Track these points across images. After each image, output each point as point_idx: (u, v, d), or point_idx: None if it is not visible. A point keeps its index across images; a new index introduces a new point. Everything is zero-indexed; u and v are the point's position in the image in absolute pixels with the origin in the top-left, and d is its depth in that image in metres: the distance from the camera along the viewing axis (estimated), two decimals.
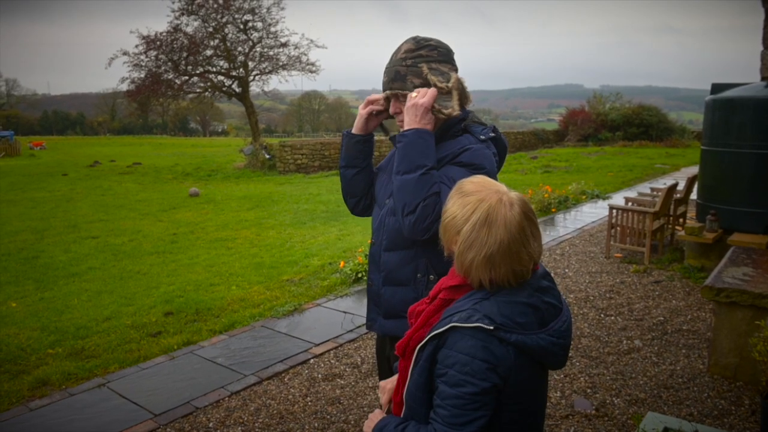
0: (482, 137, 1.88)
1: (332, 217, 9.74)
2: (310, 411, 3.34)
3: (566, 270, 6.02)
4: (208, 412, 3.34)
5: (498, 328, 1.30)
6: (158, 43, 22.73)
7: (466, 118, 1.91)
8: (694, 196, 6.51)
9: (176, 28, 23.08)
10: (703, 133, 5.92)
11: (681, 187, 7.39)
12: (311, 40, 25.11)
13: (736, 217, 5.42)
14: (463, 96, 1.88)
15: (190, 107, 36.73)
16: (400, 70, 1.85)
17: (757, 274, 3.80)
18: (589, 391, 3.48)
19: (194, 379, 3.75)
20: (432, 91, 1.81)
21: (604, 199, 10.50)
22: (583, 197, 10.54)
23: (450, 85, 1.84)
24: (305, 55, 25.27)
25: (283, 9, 24.74)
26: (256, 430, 3.16)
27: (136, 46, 22.96)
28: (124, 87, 23.50)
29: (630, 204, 7.20)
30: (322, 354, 4.11)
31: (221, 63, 24.52)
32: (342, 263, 6.15)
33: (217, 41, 23.95)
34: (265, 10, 24.17)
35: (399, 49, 1.89)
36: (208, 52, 23.95)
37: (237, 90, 24.92)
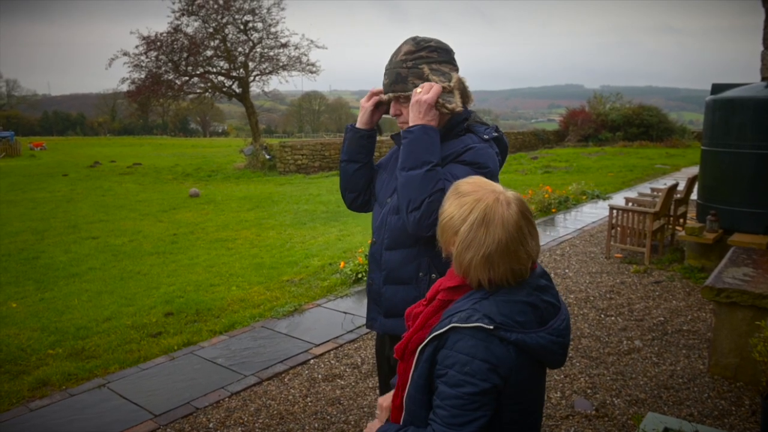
0: (485, 136, 1.88)
1: (332, 218, 9.74)
2: (311, 411, 3.34)
3: (566, 270, 6.02)
4: (208, 413, 3.34)
5: (498, 327, 1.30)
6: (158, 43, 22.75)
7: (468, 118, 1.91)
8: (694, 196, 6.51)
9: (176, 29, 23.11)
10: (703, 134, 5.92)
11: (681, 187, 7.39)
12: (311, 41, 25.16)
13: (737, 218, 5.42)
14: (465, 95, 1.89)
15: (191, 108, 36.78)
16: (401, 72, 1.85)
17: (757, 274, 3.80)
18: (589, 391, 3.48)
19: (194, 379, 3.75)
20: (436, 86, 1.80)
21: (604, 199, 10.49)
22: (584, 197, 10.54)
23: (452, 84, 1.84)
24: (305, 55, 25.33)
25: (283, 9, 24.80)
26: (256, 430, 3.16)
27: (137, 47, 22.98)
28: (125, 87, 23.55)
29: (630, 204, 7.20)
30: (322, 354, 4.11)
31: (221, 63, 24.55)
32: (342, 264, 6.15)
33: (217, 42, 23.97)
34: (265, 11, 24.22)
35: (399, 50, 1.88)
36: (209, 53, 23.98)
37: (237, 90, 24.93)
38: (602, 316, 4.70)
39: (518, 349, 1.32)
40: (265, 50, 24.84)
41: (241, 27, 24.10)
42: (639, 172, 14.66)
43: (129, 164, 23.08)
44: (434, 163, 1.76)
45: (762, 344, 2.99)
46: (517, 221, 1.34)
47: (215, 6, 23.18)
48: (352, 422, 3.21)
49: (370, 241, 2.09)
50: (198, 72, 23.81)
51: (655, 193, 7.78)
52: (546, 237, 7.61)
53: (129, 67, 23.04)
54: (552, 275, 5.84)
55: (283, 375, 3.81)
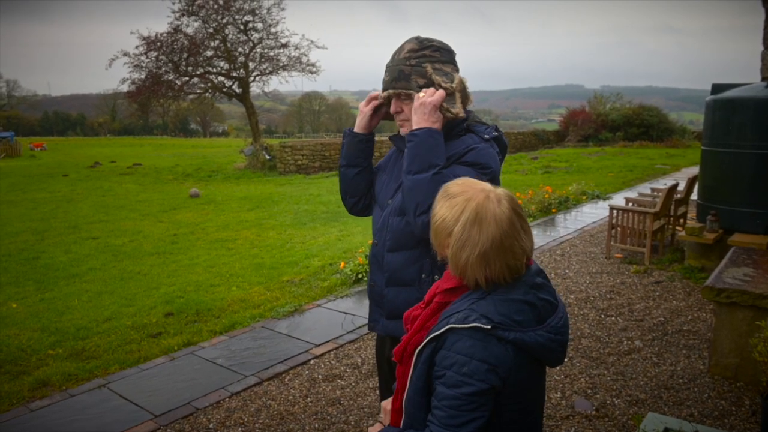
0: (486, 136, 1.89)
1: (332, 218, 9.74)
2: (311, 412, 3.34)
3: (567, 270, 6.02)
4: (208, 413, 3.34)
5: (496, 326, 1.30)
6: (158, 44, 22.76)
7: (468, 118, 1.91)
8: (694, 196, 6.50)
9: (177, 29, 23.12)
10: (703, 134, 5.92)
11: (681, 187, 7.39)
12: (311, 41, 25.18)
13: (737, 218, 5.42)
14: (465, 97, 1.89)
15: (191, 108, 36.80)
16: (404, 69, 1.85)
17: (757, 274, 3.79)
18: (589, 391, 3.48)
19: (194, 379, 3.75)
20: (440, 91, 1.81)
21: (604, 199, 10.49)
22: (584, 198, 10.54)
23: (454, 86, 1.85)
24: (305, 55, 25.35)
25: (283, 10, 24.81)
26: (257, 430, 3.16)
27: (137, 47, 23.00)
28: (125, 88, 23.56)
29: (630, 204, 7.19)
30: (322, 355, 4.11)
31: (221, 64, 24.57)
32: (342, 264, 6.15)
33: (217, 42, 23.98)
34: (265, 11, 24.23)
35: (401, 48, 1.88)
36: (209, 53, 23.99)
37: (237, 91, 24.94)
38: (602, 316, 4.70)
39: (517, 349, 1.32)
40: (266, 50, 24.87)
41: (241, 27, 24.12)
42: (639, 173, 14.66)
43: (129, 164, 23.08)
44: (441, 166, 1.77)
45: (762, 344, 2.98)
46: (510, 217, 1.35)
47: (215, 6, 23.19)
48: (353, 422, 3.21)
49: (370, 243, 2.09)
50: (198, 72, 23.82)
51: (656, 194, 7.78)
52: (546, 237, 7.61)
53: (129, 67, 23.08)
54: (552, 275, 5.84)
55: (283, 375, 3.81)
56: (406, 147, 1.82)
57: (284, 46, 24.78)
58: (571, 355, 3.99)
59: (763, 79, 5.64)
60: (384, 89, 1.91)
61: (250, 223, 9.68)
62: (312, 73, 25.57)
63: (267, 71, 25.05)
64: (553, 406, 3.31)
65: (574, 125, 26.81)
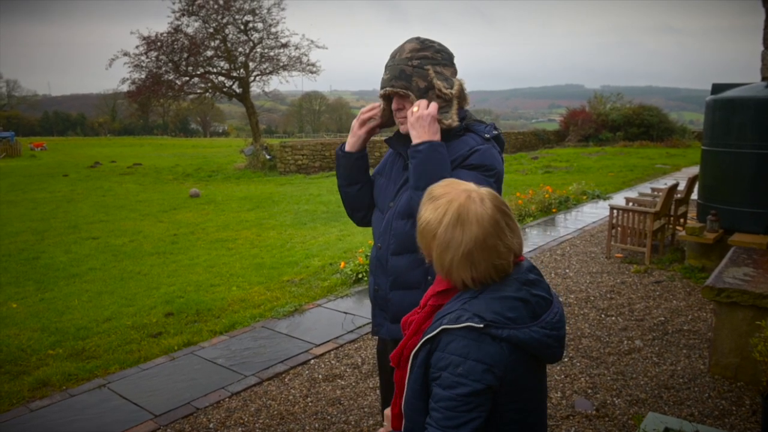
0: (486, 135, 1.88)
1: (333, 218, 9.74)
2: (311, 412, 3.34)
3: (567, 270, 6.02)
4: (208, 413, 3.34)
5: (488, 325, 1.29)
6: (159, 43, 22.75)
7: (465, 117, 1.90)
8: (694, 196, 6.50)
9: (177, 29, 23.10)
10: (703, 134, 5.91)
11: (682, 187, 7.39)
12: (312, 41, 25.16)
13: (737, 218, 5.42)
14: (462, 99, 1.89)
15: (191, 108, 36.80)
16: (405, 69, 1.83)
17: (757, 274, 3.79)
18: (589, 391, 3.48)
19: (195, 379, 3.75)
20: (433, 103, 1.81)
21: (604, 199, 10.49)
22: (584, 197, 10.54)
23: (453, 92, 1.84)
24: (306, 55, 25.34)
25: (283, 10, 24.80)
26: (257, 430, 3.16)
27: (137, 47, 22.98)
28: (125, 88, 23.55)
29: (631, 204, 7.19)
30: (322, 354, 4.11)
31: (222, 64, 24.56)
32: (342, 264, 6.15)
33: (217, 42, 23.97)
34: (265, 11, 24.22)
35: (402, 48, 1.87)
36: (209, 53, 23.98)
37: (237, 91, 24.93)
38: (603, 316, 4.70)
39: (512, 346, 1.31)
40: (266, 50, 24.86)
41: (242, 27, 24.11)
42: (639, 172, 14.66)
43: (129, 164, 23.09)
44: None
45: (762, 344, 2.98)
46: (492, 216, 1.34)
47: (215, 6, 23.19)
48: (353, 422, 3.21)
49: (370, 243, 2.09)
50: (198, 72, 23.82)
51: (656, 193, 7.77)
52: (546, 237, 7.61)
53: (129, 67, 23.07)
54: (552, 275, 5.84)
55: (283, 375, 3.81)
56: (411, 162, 1.80)
57: (284, 46, 24.78)
58: (571, 354, 3.99)
59: (764, 78, 5.64)
60: (383, 87, 1.89)
61: (251, 223, 9.68)
62: (312, 73, 25.57)
63: (267, 71, 25.04)
64: (553, 406, 3.30)
65: (575, 125, 26.81)
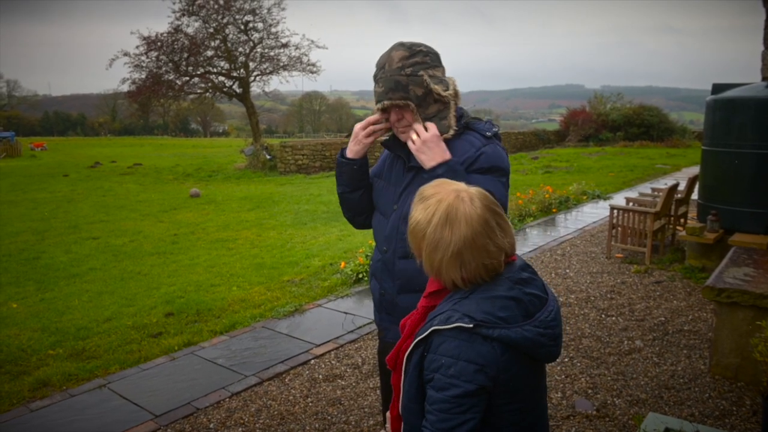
0: (488, 134, 1.86)
1: (333, 218, 9.73)
2: (311, 412, 3.34)
3: (567, 270, 6.02)
4: (208, 413, 3.34)
5: (478, 325, 1.28)
6: (159, 43, 22.73)
7: (463, 115, 1.89)
8: (695, 196, 6.50)
9: (177, 29, 23.09)
10: (704, 134, 5.91)
11: (682, 187, 7.38)
12: (312, 41, 25.13)
13: (737, 218, 5.42)
14: (457, 98, 1.88)
15: (191, 108, 36.78)
16: (400, 79, 1.80)
17: (758, 274, 3.79)
18: (590, 391, 3.48)
19: (195, 379, 3.75)
20: (431, 124, 1.80)
21: (605, 199, 10.49)
22: (584, 197, 10.53)
23: (450, 93, 1.83)
24: (306, 55, 25.30)
25: (283, 9, 24.77)
26: (257, 430, 3.16)
27: (137, 47, 22.95)
28: (125, 88, 23.53)
29: (631, 204, 7.19)
30: (322, 355, 4.11)
31: (222, 64, 24.53)
32: (343, 264, 6.15)
33: (217, 42, 23.96)
34: (265, 11, 24.20)
35: (390, 57, 1.82)
36: (209, 53, 23.96)
37: (238, 91, 24.92)
38: (603, 316, 4.70)
39: (503, 346, 1.30)
40: (266, 50, 24.83)
41: (242, 27, 24.09)
42: (640, 172, 14.66)
43: (130, 164, 23.09)
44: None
45: (763, 344, 2.98)
46: (482, 215, 1.33)
47: (216, 6, 23.17)
48: (353, 422, 3.21)
49: (370, 243, 2.08)
50: (198, 72, 23.80)
51: (656, 193, 7.77)
52: (547, 237, 7.61)
53: (129, 67, 23.04)
54: (553, 275, 5.83)
55: (283, 375, 3.81)
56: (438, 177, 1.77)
57: (285, 46, 24.76)
58: (571, 355, 3.99)
59: (764, 78, 5.64)
60: (379, 101, 1.85)
61: (251, 223, 9.68)
62: (312, 73, 25.55)
63: (267, 71, 25.02)
64: (553, 406, 3.30)
65: (575, 125, 26.80)
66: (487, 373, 1.28)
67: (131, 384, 3.71)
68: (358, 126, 1.97)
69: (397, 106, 1.84)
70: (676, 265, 6.04)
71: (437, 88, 1.80)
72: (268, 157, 19.65)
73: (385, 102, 1.82)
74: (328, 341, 4.33)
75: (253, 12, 23.95)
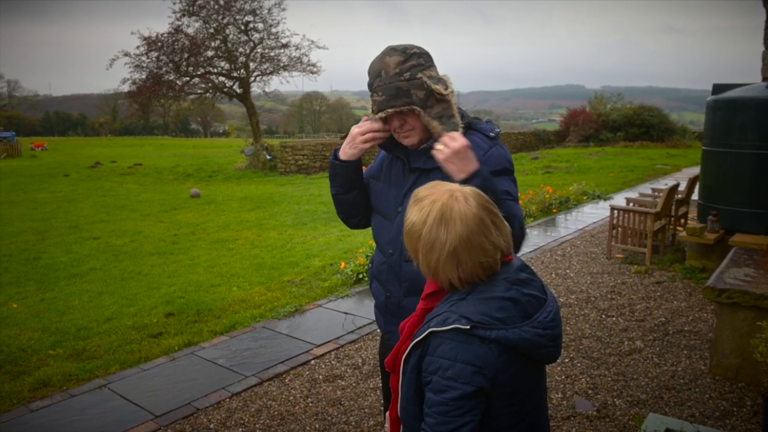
0: (491, 134, 1.85)
1: (333, 218, 9.73)
2: (311, 412, 3.34)
3: (567, 271, 6.01)
4: (208, 413, 3.34)
5: (475, 326, 1.28)
6: (159, 44, 22.73)
7: (463, 114, 1.88)
8: (695, 196, 6.50)
9: (177, 29, 23.09)
10: (704, 134, 5.91)
11: (682, 187, 7.38)
12: (312, 41, 25.10)
13: (738, 218, 5.41)
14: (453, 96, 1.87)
15: (192, 108, 36.74)
16: (400, 86, 1.75)
17: (758, 274, 3.79)
18: (590, 392, 3.48)
19: (195, 380, 3.75)
20: (457, 134, 1.72)
21: (605, 199, 10.49)
22: (584, 198, 10.53)
23: (450, 91, 1.82)
24: (306, 55, 25.28)
25: (284, 10, 24.77)
26: (257, 431, 3.16)
27: (137, 47, 22.93)
28: (126, 88, 23.51)
29: (631, 204, 7.19)
30: (323, 355, 4.11)
31: (222, 64, 24.53)
32: (343, 264, 6.15)
33: (218, 42, 23.96)
34: (266, 11, 24.19)
35: (386, 64, 1.77)
36: (209, 53, 23.95)
37: (238, 91, 24.92)
38: (603, 316, 4.70)
39: (501, 347, 1.29)
40: (266, 51, 24.83)
41: (242, 27, 24.09)
42: (640, 173, 14.65)
43: (130, 165, 23.09)
44: (511, 197, 1.75)
45: (763, 345, 2.98)
46: (477, 214, 1.33)
47: (216, 6, 23.17)
48: (353, 423, 3.21)
49: (370, 243, 2.07)
50: (199, 72, 23.80)
51: (656, 194, 7.77)
52: (547, 237, 7.61)
53: (130, 67, 23.02)
54: (553, 275, 5.83)
55: (283, 376, 3.81)
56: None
57: (285, 46, 24.76)
58: (572, 355, 3.99)
59: (764, 79, 5.64)
60: (380, 109, 1.79)
61: (251, 224, 9.68)
62: (313, 73, 25.55)
63: (268, 71, 25.01)
64: (554, 407, 3.30)
65: (575, 125, 26.78)
66: (485, 374, 1.27)
67: (131, 384, 3.71)
68: (356, 130, 1.91)
69: (400, 113, 1.80)
70: (676, 265, 6.04)
71: (438, 88, 1.78)
72: (269, 157, 19.65)
73: (389, 110, 1.78)
74: (329, 341, 4.33)
75: (253, 12, 23.96)
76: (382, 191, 1.98)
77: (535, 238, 7.56)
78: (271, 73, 25.04)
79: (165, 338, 4.49)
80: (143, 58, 22.89)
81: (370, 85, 1.81)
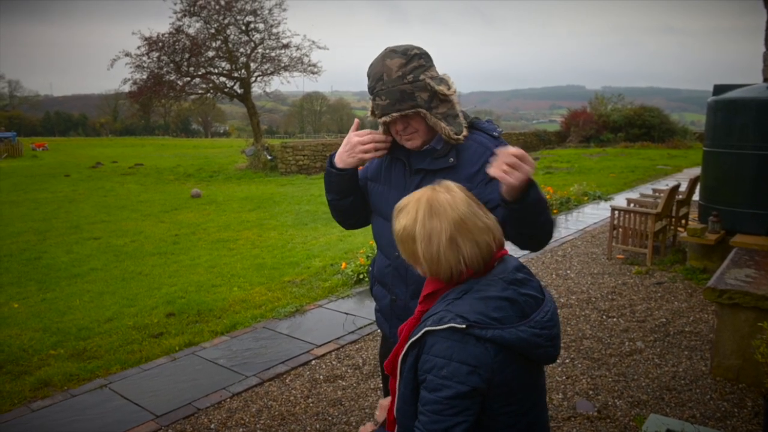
0: (495, 134, 1.84)
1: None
2: (312, 412, 3.34)
3: (568, 271, 6.01)
4: (209, 414, 3.34)
5: (471, 325, 1.27)
6: (160, 44, 22.75)
7: (466, 114, 1.87)
8: (696, 197, 6.50)
9: (178, 30, 23.10)
10: (705, 135, 5.91)
11: (683, 188, 7.38)
12: (313, 42, 25.11)
13: (739, 219, 5.41)
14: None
15: (192, 108, 36.73)
16: (405, 89, 1.72)
17: (759, 275, 3.79)
18: (591, 392, 3.47)
19: (196, 380, 3.75)
20: (511, 148, 1.58)
21: (606, 200, 10.48)
22: (585, 198, 10.53)
23: (453, 90, 1.81)
24: (307, 56, 25.29)
25: (285, 10, 24.77)
26: (258, 431, 3.16)
27: (138, 48, 22.94)
28: (126, 88, 23.53)
29: (632, 205, 7.18)
30: (323, 355, 4.11)
31: (223, 64, 24.55)
32: (343, 264, 6.15)
33: (219, 42, 23.97)
34: (266, 12, 24.20)
35: (388, 67, 1.74)
36: (210, 54, 23.97)
37: (239, 91, 24.93)
38: (604, 317, 4.69)
39: (497, 347, 1.28)
40: (267, 51, 24.84)
41: (243, 28, 24.11)
42: (641, 173, 14.65)
43: (131, 165, 23.11)
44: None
45: (764, 346, 2.98)
46: (462, 197, 1.38)
47: (217, 7, 23.18)
48: (354, 423, 3.21)
49: (371, 243, 2.07)
50: (200, 73, 23.81)
51: (657, 194, 7.77)
52: None
53: (131, 67, 23.04)
54: (553, 276, 5.83)
55: (284, 376, 3.81)
56: (533, 207, 1.60)
57: (286, 46, 24.76)
58: (572, 356, 3.99)
59: (765, 80, 5.64)
60: (384, 113, 1.75)
61: (252, 224, 9.68)
62: (313, 73, 25.55)
63: (268, 72, 25.03)
64: (554, 408, 3.30)
65: (576, 126, 26.78)
66: (481, 374, 1.26)
67: (132, 384, 3.71)
68: (355, 139, 1.86)
69: (404, 117, 1.77)
70: (677, 266, 6.03)
71: (441, 88, 1.76)
72: (269, 157, 19.66)
73: (394, 114, 1.75)
74: (329, 342, 4.33)
75: (254, 13, 23.97)
76: (383, 193, 1.94)
77: None
78: (272, 73, 25.06)
79: (166, 338, 4.49)
80: (144, 58, 22.92)
81: (372, 89, 1.78)
